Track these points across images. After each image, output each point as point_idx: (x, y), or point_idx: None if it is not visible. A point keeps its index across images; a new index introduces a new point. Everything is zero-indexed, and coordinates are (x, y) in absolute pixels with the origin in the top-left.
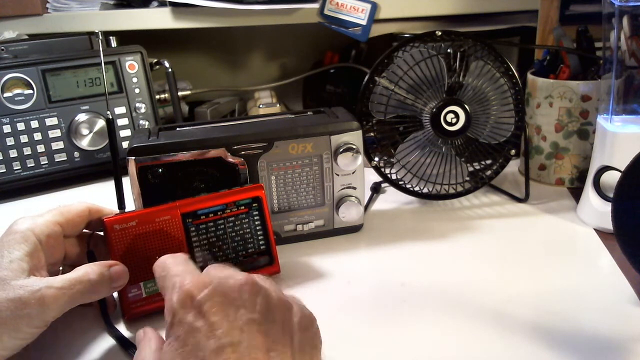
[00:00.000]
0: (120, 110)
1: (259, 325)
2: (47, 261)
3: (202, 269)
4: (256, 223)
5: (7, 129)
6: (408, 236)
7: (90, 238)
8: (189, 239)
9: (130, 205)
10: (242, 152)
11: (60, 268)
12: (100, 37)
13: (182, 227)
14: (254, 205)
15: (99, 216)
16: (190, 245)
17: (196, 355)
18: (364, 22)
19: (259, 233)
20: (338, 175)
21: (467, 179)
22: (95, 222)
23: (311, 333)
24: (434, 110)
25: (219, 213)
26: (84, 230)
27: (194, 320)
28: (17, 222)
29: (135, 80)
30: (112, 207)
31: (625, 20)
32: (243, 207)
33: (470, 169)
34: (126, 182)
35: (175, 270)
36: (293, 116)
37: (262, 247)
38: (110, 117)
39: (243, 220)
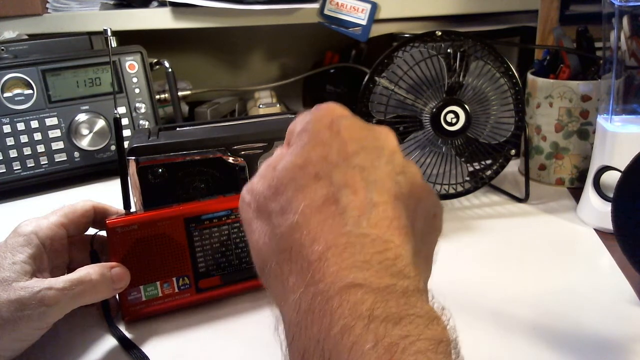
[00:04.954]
0: (120, 110)
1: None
2: (51, 264)
3: (204, 274)
4: None
5: (7, 129)
6: None
7: (94, 238)
8: (192, 245)
9: (132, 205)
10: (242, 152)
11: (66, 271)
12: (109, 35)
13: (185, 232)
14: None
15: (104, 215)
16: (192, 251)
17: (326, 159)
18: (364, 22)
19: None
20: None
21: (467, 179)
22: (101, 220)
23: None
24: (434, 110)
25: (223, 219)
26: (89, 230)
27: (329, 136)
28: (21, 224)
29: (135, 80)
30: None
31: (625, 20)
32: None
33: (470, 169)
34: None
35: None
36: (293, 116)
37: None
38: (118, 115)
39: None
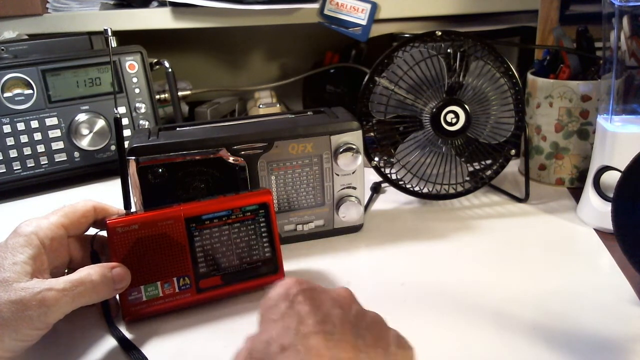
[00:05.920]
0: (120, 110)
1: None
2: (50, 264)
3: (204, 275)
4: (262, 230)
5: (7, 129)
6: (408, 236)
7: (94, 239)
8: (192, 244)
9: (132, 205)
10: (242, 152)
11: (66, 271)
12: (110, 35)
13: (186, 232)
14: (260, 211)
15: (104, 215)
16: (193, 251)
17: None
18: (364, 22)
19: (264, 240)
20: (338, 175)
21: (467, 179)
22: (101, 220)
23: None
24: (434, 110)
25: (223, 219)
26: (90, 230)
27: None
28: (21, 224)
29: (135, 80)
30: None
31: (625, 20)
32: (249, 214)
33: (470, 169)
34: None
35: None
36: (293, 116)
37: (267, 255)
38: (119, 115)
39: (249, 227)
